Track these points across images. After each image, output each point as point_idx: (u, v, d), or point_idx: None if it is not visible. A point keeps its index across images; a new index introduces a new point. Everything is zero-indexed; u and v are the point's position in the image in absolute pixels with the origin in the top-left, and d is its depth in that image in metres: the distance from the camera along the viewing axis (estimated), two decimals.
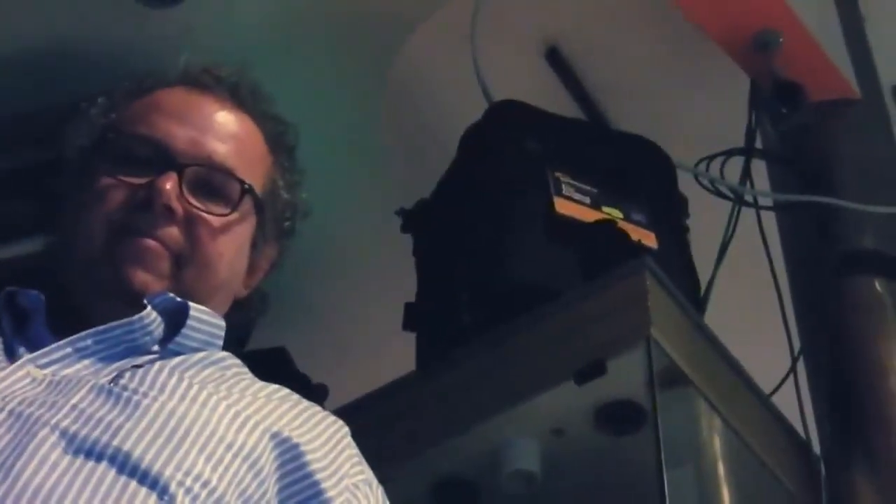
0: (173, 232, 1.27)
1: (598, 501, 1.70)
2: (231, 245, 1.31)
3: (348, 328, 2.54)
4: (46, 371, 1.15)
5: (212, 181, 1.30)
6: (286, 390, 1.27)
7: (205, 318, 1.26)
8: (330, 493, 1.17)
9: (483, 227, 1.92)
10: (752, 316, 2.12)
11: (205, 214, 1.28)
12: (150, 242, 1.25)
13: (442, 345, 1.88)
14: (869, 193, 2.06)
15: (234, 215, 1.31)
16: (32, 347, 1.19)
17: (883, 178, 2.13)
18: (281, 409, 1.22)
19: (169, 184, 1.26)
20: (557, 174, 1.92)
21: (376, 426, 1.73)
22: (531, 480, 1.73)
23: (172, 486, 1.06)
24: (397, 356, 1.92)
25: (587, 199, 1.91)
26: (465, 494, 1.78)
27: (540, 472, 1.72)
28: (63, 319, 1.22)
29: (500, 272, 1.85)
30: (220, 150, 1.32)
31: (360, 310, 2.51)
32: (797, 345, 2.01)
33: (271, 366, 1.77)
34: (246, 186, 1.32)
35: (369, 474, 1.25)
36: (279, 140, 1.42)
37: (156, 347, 1.23)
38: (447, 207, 2.02)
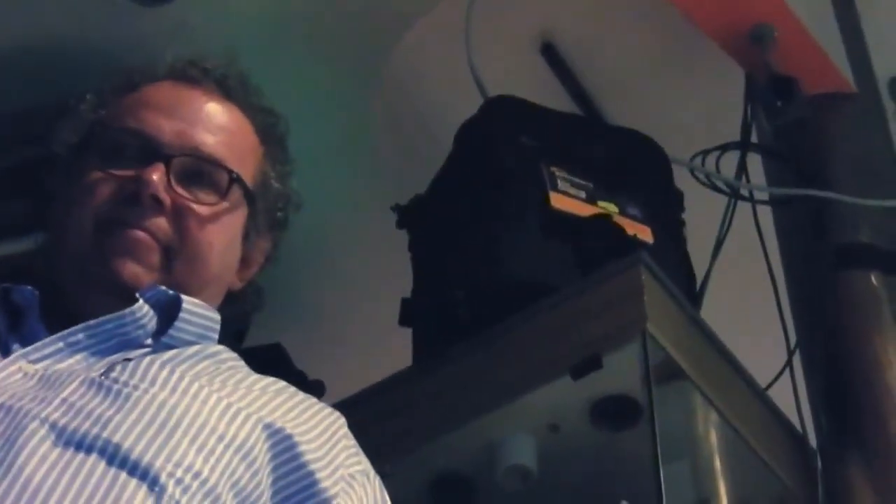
0: (162, 223, 1.26)
1: (594, 496, 1.70)
2: (221, 235, 1.30)
3: (344, 324, 2.53)
4: (38, 366, 1.15)
5: (200, 171, 1.30)
6: (282, 383, 1.27)
7: (198, 311, 1.26)
8: (324, 484, 1.17)
9: (478, 222, 1.92)
10: (748, 310, 2.12)
11: (193, 204, 1.28)
12: (139, 234, 1.25)
13: (438, 341, 1.88)
14: (865, 187, 2.06)
15: (224, 205, 1.30)
16: (26, 343, 1.18)
17: (879, 172, 2.13)
18: (276, 401, 1.22)
19: (156, 175, 1.26)
20: (553, 169, 1.92)
21: (372, 422, 1.73)
22: (527, 476, 1.73)
23: (163, 478, 1.05)
24: (394, 352, 1.92)
25: (582, 194, 1.91)
26: (461, 490, 1.78)
27: (536, 468, 1.72)
28: (57, 315, 1.22)
29: (495, 268, 1.85)
30: (209, 140, 1.31)
31: (356, 306, 2.51)
32: (793, 339, 2.01)
33: (268, 362, 1.76)
34: (234, 175, 1.31)
35: (366, 465, 1.25)
36: (270, 131, 1.41)
37: (149, 341, 1.22)
38: (442, 203, 2.01)
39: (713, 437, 1.77)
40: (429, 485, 1.78)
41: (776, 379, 2.00)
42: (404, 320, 1.97)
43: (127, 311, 1.20)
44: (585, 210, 1.89)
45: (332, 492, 1.17)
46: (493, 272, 1.85)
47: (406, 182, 2.08)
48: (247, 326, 1.86)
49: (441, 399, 1.79)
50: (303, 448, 1.18)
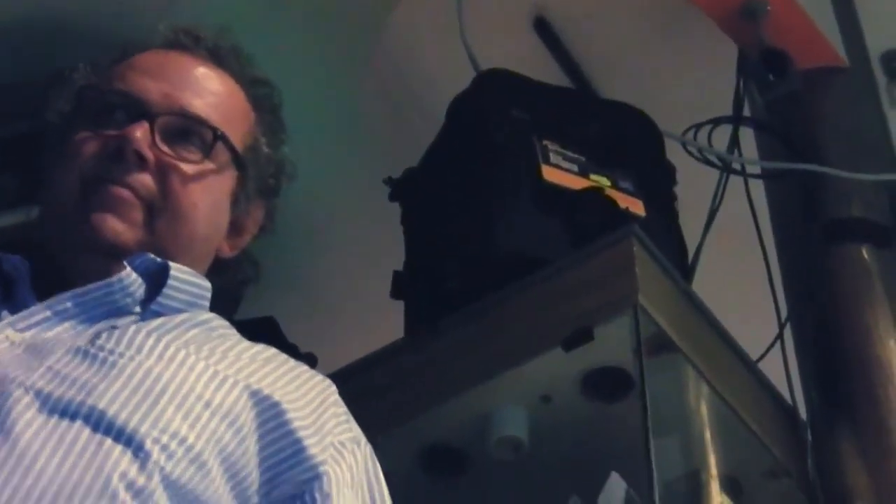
0: (145, 180, 1.26)
1: (585, 467, 1.70)
2: (206, 196, 1.30)
3: (337, 297, 2.54)
4: (26, 334, 1.14)
5: (185, 130, 1.30)
6: (273, 350, 1.26)
7: (187, 279, 1.25)
8: (313, 451, 1.17)
9: (470, 195, 1.93)
10: (739, 283, 2.13)
11: (177, 162, 1.27)
12: (121, 191, 1.24)
13: (430, 313, 1.88)
14: (856, 161, 2.06)
15: (209, 165, 1.30)
16: (16, 313, 1.18)
17: (870, 146, 2.14)
18: (265, 368, 1.21)
19: (140, 132, 1.26)
20: (545, 142, 1.92)
21: (364, 394, 1.73)
22: (519, 447, 1.73)
23: (148, 443, 1.05)
24: (386, 325, 1.93)
25: (575, 168, 1.91)
26: (453, 461, 1.79)
27: (527, 439, 1.73)
28: (49, 284, 1.21)
29: (487, 240, 1.86)
30: (196, 102, 1.31)
31: (348, 279, 2.51)
32: (784, 312, 2.02)
33: (260, 335, 1.76)
34: (219, 133, 1.31)
35: (357, 432, 1.25)
36: (262, 99, 1.41)
37: (137, 309, 1.22)
38: (435, 176, 2.02)
39: (704, 410, 1.77)
40: (420, 456, 1.79)
41: (767, 352, 2.00)
42: (396, 293, 1.97)
43: (115, 278, 1.20)
44: (577, 183, 1.89)
45: (320, 458, 1.17)
46: (486, 245, 1.86)
47: (398, 155, 2.08)
48: (240, 297, 1.86)
49: (433, 371, 1.79)
50: (291, 415, 1.17)
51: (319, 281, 2.53)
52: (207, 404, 1.12)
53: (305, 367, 1.27)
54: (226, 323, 1.29)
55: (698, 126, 2.09)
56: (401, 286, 1.97)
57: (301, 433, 1.17)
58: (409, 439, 1.78)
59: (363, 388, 1.76)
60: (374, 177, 2.05)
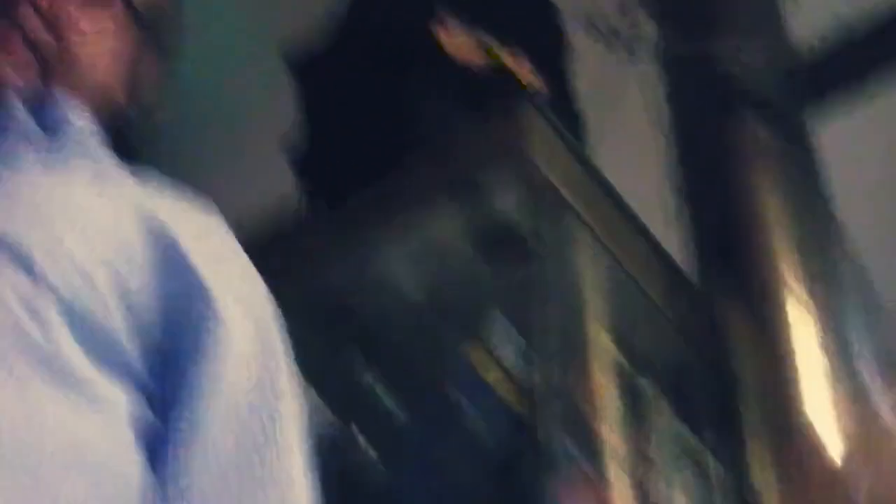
0: (37, 24, 1.26)
1: (477, 318, 1.74)
2: (100, 45, 1.29)
3: (233, 175, 2.54)
4: None
5: None
6: (169, 190, 1.28)
7: (78, 117, 1.26)
8: (207, 281, 1.17)
9: (373, 70, 1.94)
10: (636, 158, 2.16)
11: (71, 9, 1.28)
12: (11, 33, 1.25)
13: (334, 184, 1.91)
14: (751, 41, 2.10)
15: (104, 14, 1.30)
16: None
17: (765, 28, 2.17)
18: (160, 201, 1.22)
19: None
20: (446, 16, 1.94)
21: (262, 264, 1.74)
22: (414, 302, 1.77)
23: (36, 255, 1.06)
24: (283, 196, 1.94)
25: (474, 40, 1.93)
26: (350, 320, 1.82)
27: (423, 294, 1.77)
28: None
29: (388, 111, 1.88)
30: None
31: (247, 157, 2.51)
32: (679, 185, 2.06)
33: None
34: None
35: (250, 267, 1.26)
36: None
37: (28, 145, 1.23)
38: (336, 53, 2.03)
39: (598, 270, 1.82)
40: (320, 315, 1.82)
41: (659, 221, 2.05)
42: (297, 169, 1.99)
43: (3, 114, 1.21)
44: (477, 56, 1.91)
45: (214, 289, 1.18)
46: (386, 115, 1.88)
47: (299, 32, 2.08)
48: (139, 147, 1.85)
49: (330, 234, 1.82)
50: (186, 246, 1.17)
51: (215, 158, 2.53)
52: (100, 228, 1.13)
53: (197, 204, 1.27)
54: (120, 164, 1.30)
55: (599, 5, 2.12)
56: (301, 162, 1.99)
57: (196, 265, 1.18)
58: (309, 299, 1.80)
59: (260, 261, 1.77)
60: (269, 48, 2.05)
